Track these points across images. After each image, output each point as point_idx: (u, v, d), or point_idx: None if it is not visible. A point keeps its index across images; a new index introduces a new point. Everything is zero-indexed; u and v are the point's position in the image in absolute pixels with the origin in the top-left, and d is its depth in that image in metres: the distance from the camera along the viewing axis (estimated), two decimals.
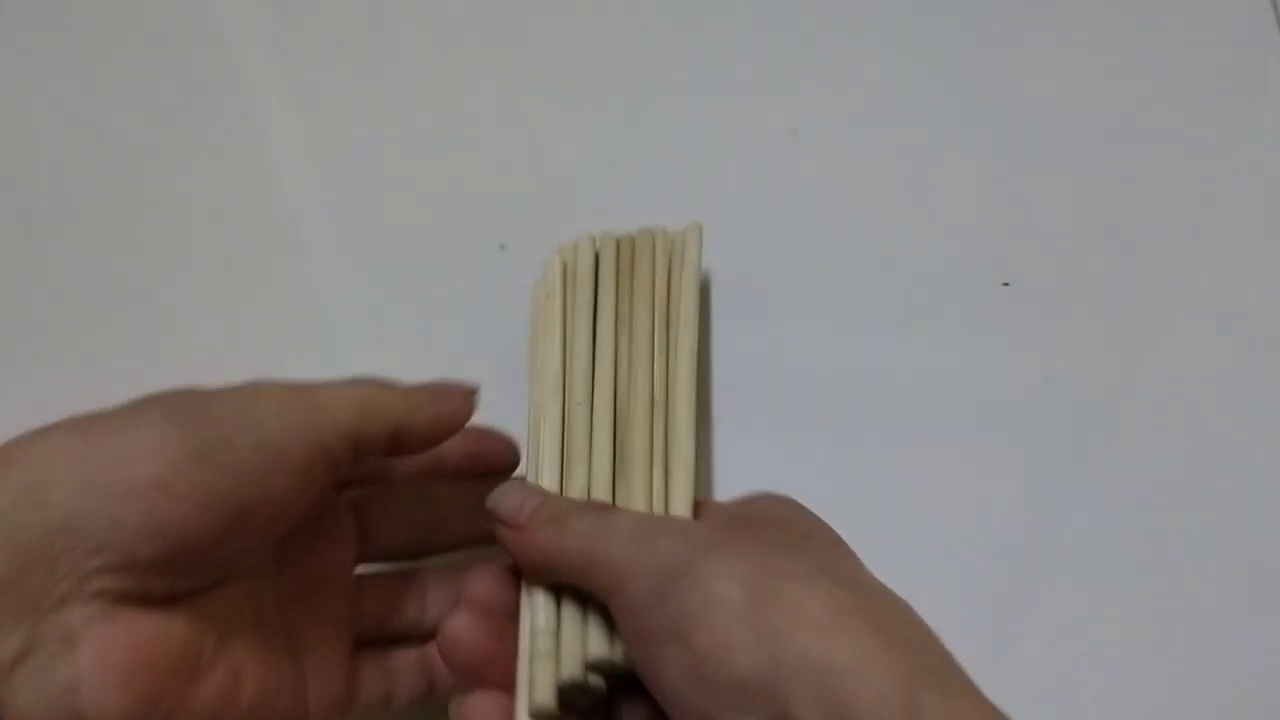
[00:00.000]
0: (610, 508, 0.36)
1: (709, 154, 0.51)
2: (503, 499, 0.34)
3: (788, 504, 0.34)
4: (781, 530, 0.32)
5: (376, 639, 0.36)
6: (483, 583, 0.34)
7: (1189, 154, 0.51)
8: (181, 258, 0.50)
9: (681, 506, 0.36)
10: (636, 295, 0.43)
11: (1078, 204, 0.49)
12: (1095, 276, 0.47)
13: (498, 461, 0.38)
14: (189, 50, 0.56)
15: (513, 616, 0.34)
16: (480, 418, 0.44)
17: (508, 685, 0.33)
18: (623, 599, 0.30)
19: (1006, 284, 0.47)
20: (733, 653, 0.28)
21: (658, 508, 0.37)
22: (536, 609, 0.34)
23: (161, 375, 0.46)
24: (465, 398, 0.35)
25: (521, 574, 0.34)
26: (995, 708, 0.27)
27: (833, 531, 0.33)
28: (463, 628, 0.33)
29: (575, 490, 0.37)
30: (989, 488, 0.43)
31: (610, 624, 0.33)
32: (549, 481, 0.37)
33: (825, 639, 0.27)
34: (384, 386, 0.33)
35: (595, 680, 0.33)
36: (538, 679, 0.32)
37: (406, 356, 0.47)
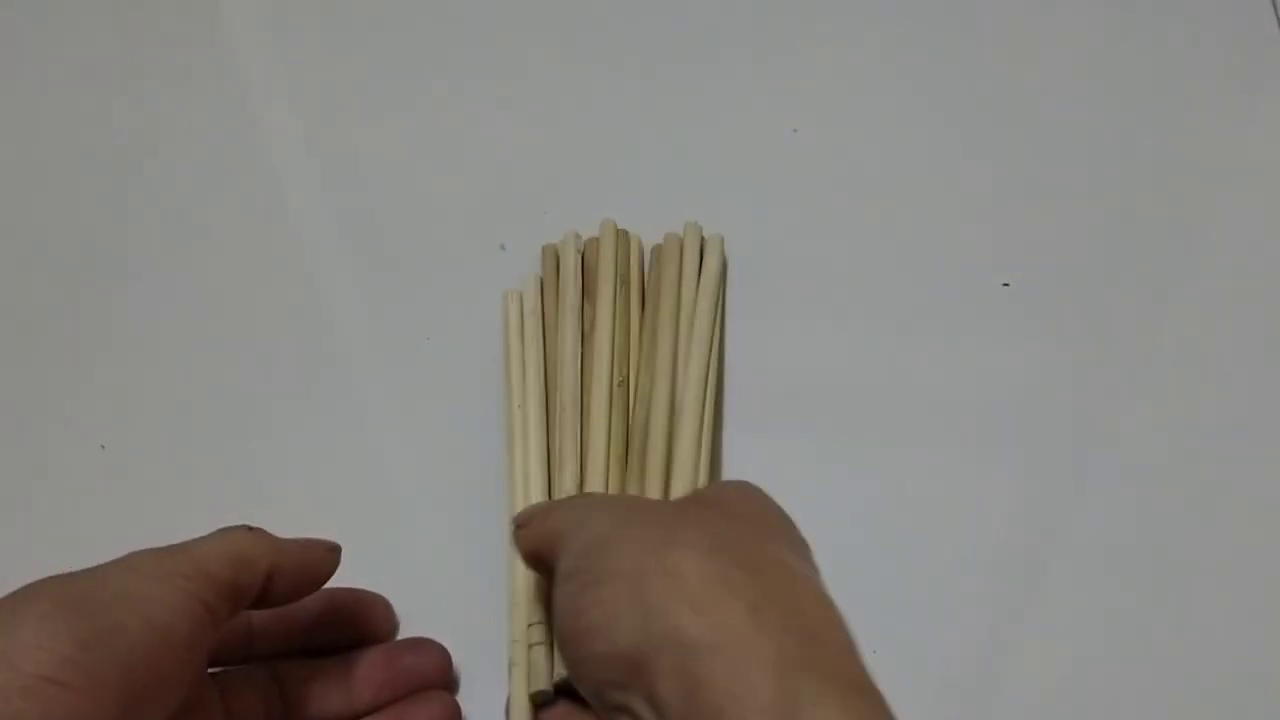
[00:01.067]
0: (590, 494, 0.37)
1: (709, 153, 0.51)
2: (526, 507, 0.37)
3: (743, 488, 0.33)
4: (711, 509, 0.31)
5: None
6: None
7: (1189, 154, 0.51)
8: (182, 259, 0.50)
9: None
10: (662, 303, 0.44)
11: (1078, 204, 0.49)
12: (1095, 276, 0.47)
13: (377, 623, 0.39)
14: (189, 53, 0.56)
15: None
16: (476, 421, 0.44)
17: None
18: (555, 577, 0.31)
19: (1006, 284, 0.47)
20: (616, 628, 0.27)
21: None
22: (516, 617, 0.36)
23: (162, 376, 0.46)
24: (330, 550, 0.36)
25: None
26: (881, 710, 0.25)
27: (776, 516, 0.32)
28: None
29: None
30: (988, 487, 0.43)
31: None
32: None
33: (696, 613, 0.26)
34: (253, 535, 0.34)
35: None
36: (515, 682, 0.35)
37: (407, 356, 0.47)
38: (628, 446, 0.41)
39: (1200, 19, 0.54)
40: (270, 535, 0.34)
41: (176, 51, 0.56)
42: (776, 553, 0.29)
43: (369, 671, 0.37)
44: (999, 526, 0.42)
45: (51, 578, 0.30)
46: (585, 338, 0.43)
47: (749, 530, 0.30)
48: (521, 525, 0.35)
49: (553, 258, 0.46)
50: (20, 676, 0.27)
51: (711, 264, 0.45)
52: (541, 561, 0.34)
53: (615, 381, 0.42)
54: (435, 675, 0.38)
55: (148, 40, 0.56)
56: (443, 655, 0.38)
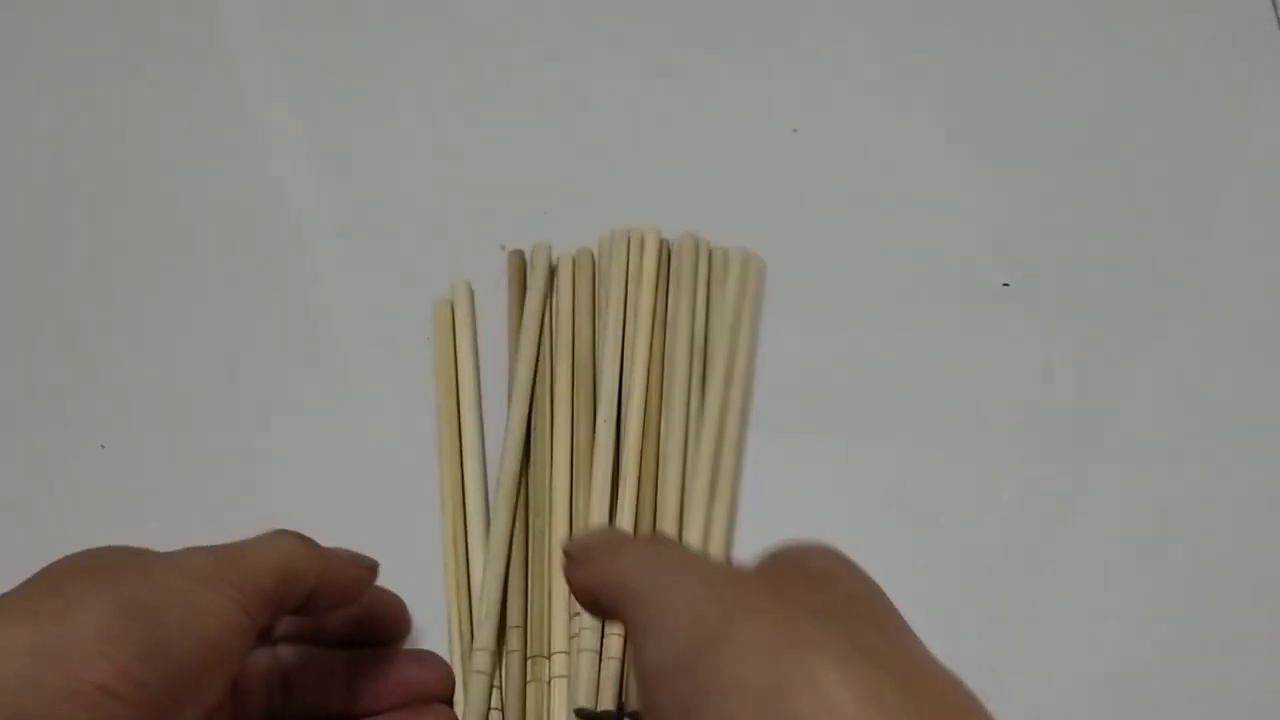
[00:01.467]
0: (662, 540, 0.37)
1: (708, 153, 0.51)
2: (578, 538, 0.36)
3: (830, 556, 0.29)
4: (822, 591, 0.27)
5: None
6: None
7: (1189, 154, 0.51)
8: (182, 260, 0.50)
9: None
10: (678, 325, 0.45)
11: (1077, 205, 0.49)
12: (1095, 276, 0.47)
13: (394, 622, 0.39)
14: (189, 53, 0.56)
15: None
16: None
17: None
18: (641, 660, 0.27)
19: (1006, 284, 0.47)
20: None
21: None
22: (481, 629, 0.38)
23: (162, 376, 0.46)
24: (369, 569, 0.36)
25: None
26: None
27: (881, 593, 0.28)
28: None
29: None
30: (988, 487, 0.43)
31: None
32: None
33: None
34: (304, 547, 0.34)
35: None
36: (472, 691, 0.37)
37: (408, 356, 0.47)
38: (615, 488, 0.41)
39: (1200, 19, 0.54)
40: (318, 548, 0.34)
41: (176, 51, 0.56)
42: (910, 645, 0.26)
43: (372, 674, 0.37)
44: (998, 526, 0.42)
45: (104, 566, 0.30)
46: (578, 363, 0.44)
47: (870, 618, 0.26)
48: (577, 562, 0.31)
49: (519, 268, 0.47)
50: (78, 683, 0.27)
51: (749, 294, 0.46)
52: (600, 606, 0.31)
53: (601, 419, 0.42)
54: (437, 688, 0.38)
55: (148, 40, 0.56)
56: (445, 669, 0.39)
